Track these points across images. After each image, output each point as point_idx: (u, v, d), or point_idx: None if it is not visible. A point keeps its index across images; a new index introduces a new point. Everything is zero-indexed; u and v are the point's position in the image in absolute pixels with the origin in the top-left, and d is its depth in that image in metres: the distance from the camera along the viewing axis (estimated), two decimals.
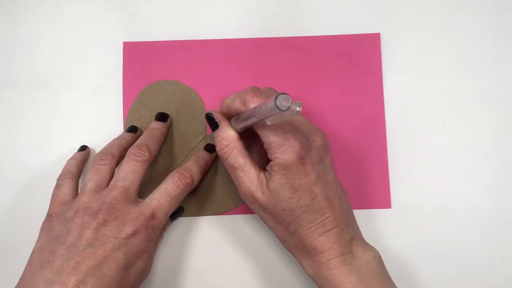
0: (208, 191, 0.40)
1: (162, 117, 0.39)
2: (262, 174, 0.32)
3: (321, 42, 0.41)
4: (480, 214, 0.40)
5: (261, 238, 0.39)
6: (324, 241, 0.31)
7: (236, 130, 0.34)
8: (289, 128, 0.31)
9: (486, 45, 0.41)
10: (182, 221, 0.40)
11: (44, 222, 0.34)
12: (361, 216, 0.39)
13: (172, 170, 0.36)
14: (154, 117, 0.40)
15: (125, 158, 0.35)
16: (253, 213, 0.40)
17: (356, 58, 0.41)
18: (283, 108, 0.25)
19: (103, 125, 0.40)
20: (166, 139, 0.40)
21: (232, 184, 0.39)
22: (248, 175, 0.33)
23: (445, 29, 0.42)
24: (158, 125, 0.39)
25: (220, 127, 0.34)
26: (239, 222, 0.40)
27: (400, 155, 0.40)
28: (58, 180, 0.36)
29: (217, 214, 0.40)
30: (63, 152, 0.39)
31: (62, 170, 0.37)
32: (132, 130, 0.39)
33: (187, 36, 0.41)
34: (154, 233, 0.33)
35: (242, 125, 0.32)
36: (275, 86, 0.41)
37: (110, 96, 0.41)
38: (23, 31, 0.41)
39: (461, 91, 0.41)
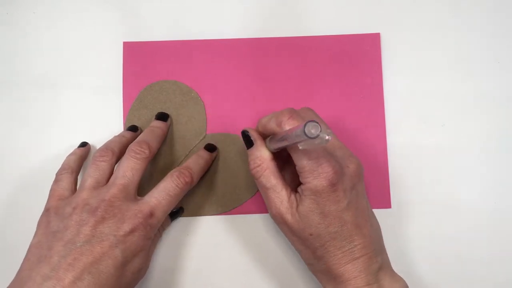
0: (208, 191, 0.40)
1: (162, 116, 0.39)
2: (293, 196, 0.32)
3: (321, 42, 0.41)
4: (480, 214, 0.40)
5: (260, 238, 0.39)
6: (351, 269, 0.31)
7: (270, 150, 0.33)
8: (323, 152, 0.30)
9: (486, 45, 0.41)
10: (182, 221, 0.40)
11: (41, 217, 0.34)
12: None
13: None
14: (154, 117, 0.40)
15: (125, 155, 0.35)
16: (253, 213, 0.40)
17: (356, 58, 0.41)
18: (311, 136, 0.25)
19: (103, 125, 0.40)
20: (166, 139, 0.40)
21: (232, 184, 0.40)
22: (279, 196, 0.32)
23: (445, 29, 0.42)
24: (159, 124, 0.39)
25: (254, 146, 0.34)
26: (239, 222, 0.40)
27: (400, 155, 0.40)
28: (57, 174, 0.36)
29: (217, 214, 0.40)
30: (63, 152, 0.39)
31: (62, 164, 0.37)
32: (133, 129, 0.39)
33: (187, 36, 0.41)
34: (152, 231, 0.33)
35: (276, 146, 0.32)
36: (275, 86, 0.41)
37: (110, 96, 0.41)
38: (23, 31, 0.41)
39: (461, 91, 0.41)
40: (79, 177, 0.38)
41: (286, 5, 0.42)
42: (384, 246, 0.34)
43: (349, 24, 0.42)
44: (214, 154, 0.39)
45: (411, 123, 0.41)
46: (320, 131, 0.25)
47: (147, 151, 0.35)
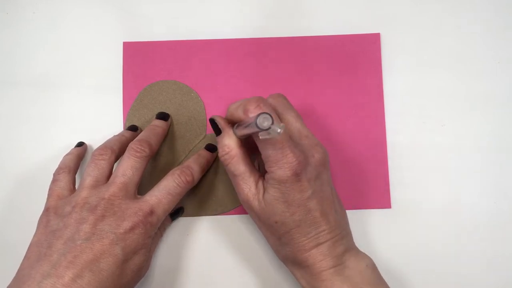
0: (208, 191, 0.40)
1: (163, 116, 0.39)
2: (260, 183, 0.33)
3: (321, 42, 0.41)
4: (480, 214, 0.40)
5: (260, 238, 0.39)
6: (316, 254, 0.31)
7: (238, 137, 0.33)
8: (288, 142, 0.30)
9: (486, 45, 0.41)
10: (182, 221, 0.40)
11: (41, 217, 0.34)
12: (361, 216, 0.40)
13: None
14: (154, 117, 0.40)
15: (125, 153, 0.35)
16: None
17: (356, 58, 0.41)
18: (263, 128, 0.26)
19: (103, 125, 0.40)
20: (167, 139, 0.40)
21: (232, 184, 0.40)
22: (247, 183, 0.33)
23: (446, 29, 0.42)
24: (159, 123, 0.39)
25: (222, 134, 0.34)
26: (239, 222, 0.40)
27: (400, 155, 0.40)
28: (54, 174, 0.36)
29: (217, 214, 0.40)
30: (64, 152, 0.39)
31: (59, 164, 0.37)
32: (132, 128, 0.39)
33: (187, 36, 0.41)
34: (153, 229, 0.33)
35: (241, 133, 0.32)
36: (275, 86, 0.41)
37: (110, 96, 0.41)
38: (23, 31, 0.42)
39: (461, 91, 0.41)
40: (77, 177, 0.38)
41: (286, 5, 0.42)
42: (349, 230, 0.35)
43: (349, 24, 0.42)
44: (215, 154, 0.39)
45: (411, 123, 0.41)
46: (272, 123, 0.26)
47: (147, 150, 0.35)
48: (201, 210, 0.40)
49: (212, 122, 0.35)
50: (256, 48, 0.41)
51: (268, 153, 0.30)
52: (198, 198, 0.40)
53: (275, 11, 0.42)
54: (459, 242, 0.39)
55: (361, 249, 0.38)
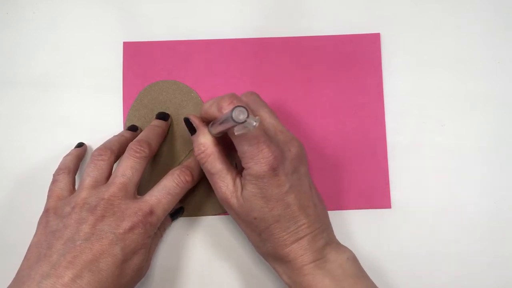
0: (208, 191, 0.40)
1: (163, 116, 0.39)
2: (238, 180, 0.32)
3: (321, 42, 0.41)
4: (480, 214, 0.40)
5: None
6: (297, 249, 0.32)
7: (213, 135, 0.33)
8: (263, 138, 0.30)
9: (486, 45, 0.41)
10: (182, 221, 0.40)
11: (41, 217, 0.34)
12: (361, 216, 0.40)
13: None
14: (154, 117, 0.40)
15: (125, 153, 0.35)
16: None
17: (356, 58, 0.41)
18: (238, 121, 0.25)
19: (103, 125, 0.40)
20: (167, 138, 0.40)
21: None
22: (224, 180, 0.33)
23: (446, 29, 0.42)
24: (159, 123, 0.39)
25: (197, 132, 0.34)
26: None
27: (400, 155, 0.40)
28: (54, 175, 0.36)
29: (217, 214, 0.40)
30: (63, 152, 0.39)
31: (59, 165, 0.37)
32: (132, 128, 0.39)
33: (187, 36, 0.41)
34: (152, 229, 0.33)
35: (216, 131, 0.32)
36: (275, 86, 0.41)
37: (110, 96, 0.41)
38: (23, 31, 0.42)
39: (461, 91, 0.41)
40: (77, 177, 0.38)
41: (286, 5, 0.42)
42: (329, 224, 0.35)
43: (349, 24, 0.42)
44: None
45: (411, 123, 0.41)
46: (248, 116, 0.25)
47: (147, 150, 0.35)
48: (201, 210, 0.40)
49: (187, 121, 0.35)
50: (256, 48, 0.41)
51: (244, 149, 0.30)
52: (198, 198, 0.40)
53: (275, 11, 0.42)
54: (459, 242, 0.39)
55: (361, 249, 0.38)
